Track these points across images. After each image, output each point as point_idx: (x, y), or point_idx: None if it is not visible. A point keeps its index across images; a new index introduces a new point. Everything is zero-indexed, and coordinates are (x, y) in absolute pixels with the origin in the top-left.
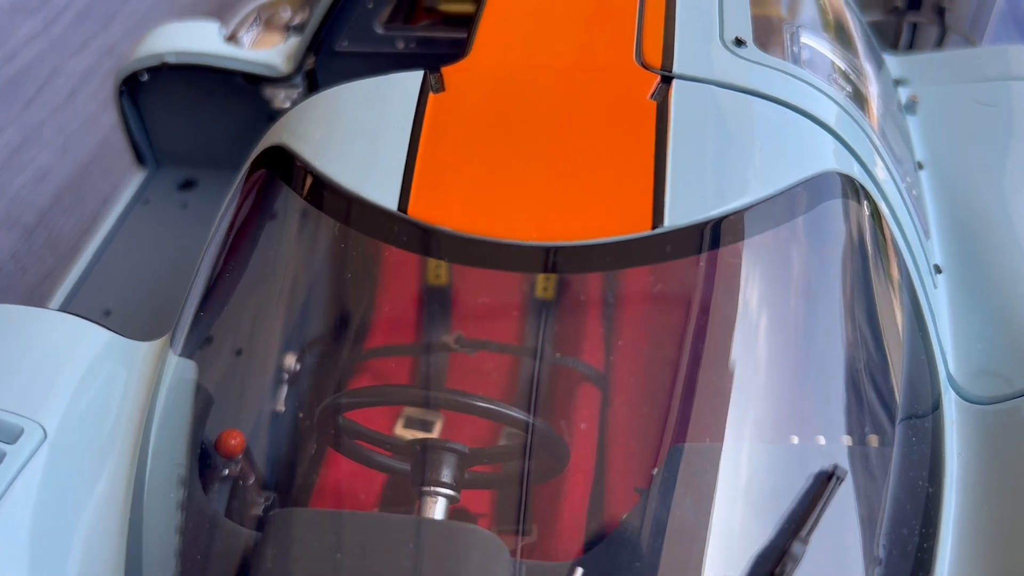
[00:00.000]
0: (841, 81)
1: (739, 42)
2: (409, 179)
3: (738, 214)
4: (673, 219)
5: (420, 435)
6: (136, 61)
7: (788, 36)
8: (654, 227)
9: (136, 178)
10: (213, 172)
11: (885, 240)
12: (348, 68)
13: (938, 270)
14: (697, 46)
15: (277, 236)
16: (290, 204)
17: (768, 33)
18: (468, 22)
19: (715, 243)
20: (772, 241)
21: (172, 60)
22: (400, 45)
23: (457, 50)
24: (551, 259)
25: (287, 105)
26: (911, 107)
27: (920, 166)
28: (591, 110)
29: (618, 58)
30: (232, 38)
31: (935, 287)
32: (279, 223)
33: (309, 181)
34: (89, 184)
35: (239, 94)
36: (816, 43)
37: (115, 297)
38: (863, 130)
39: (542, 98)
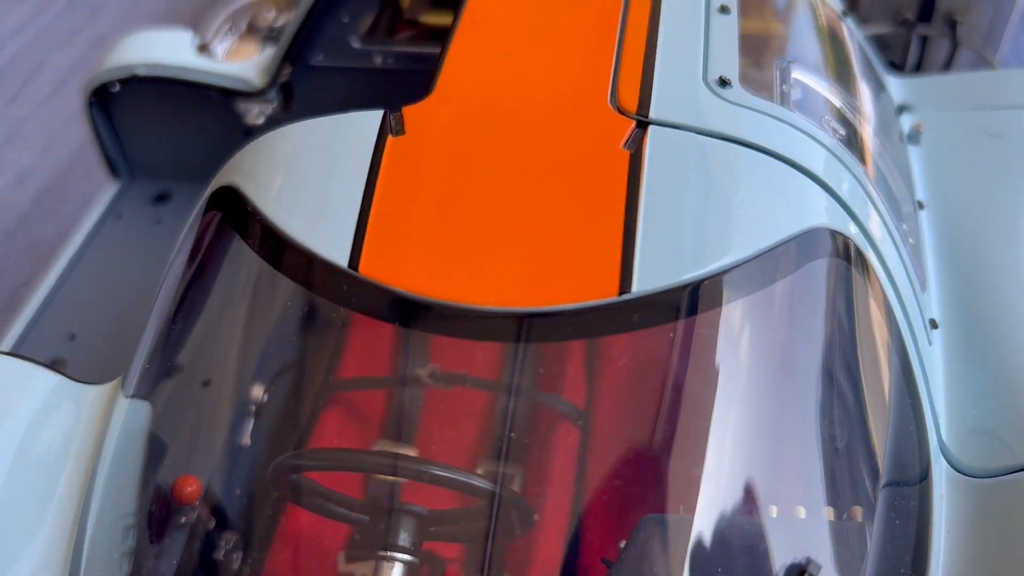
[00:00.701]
0: (835, 123)
1: (723, 82)
2: (362, 233)
3: (714, 278)
4: (642, 284)
5: (383, 486)
6: (105, 72)
7: (778, 73)
8: (621, 293)
9: (109, 190)
10: (188, 184)
11: (875, 299)
12: (324, 82)
13: (934, 325)
14: (677, 87)
15: (228, 285)
16: (240, 252)
17: (756, 69)
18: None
19: (687, 310)
20: (750, 306)
21: (143, 72)
22: (378, 60)
23: (431, 68)
24: (508, 328)
25: (261, 121)
26: (914, 137)
27: (921, 206)
28: (560, 159)
29: (591, 101)
30: (206, 47)
31: (930, 343)
32: (230, 271)
33: (259, 229)
34: (71, 186)
35: (214, 105)
36: (809, 78)
37: (81, 320)
38: (857, 179)
39: (508, 145)
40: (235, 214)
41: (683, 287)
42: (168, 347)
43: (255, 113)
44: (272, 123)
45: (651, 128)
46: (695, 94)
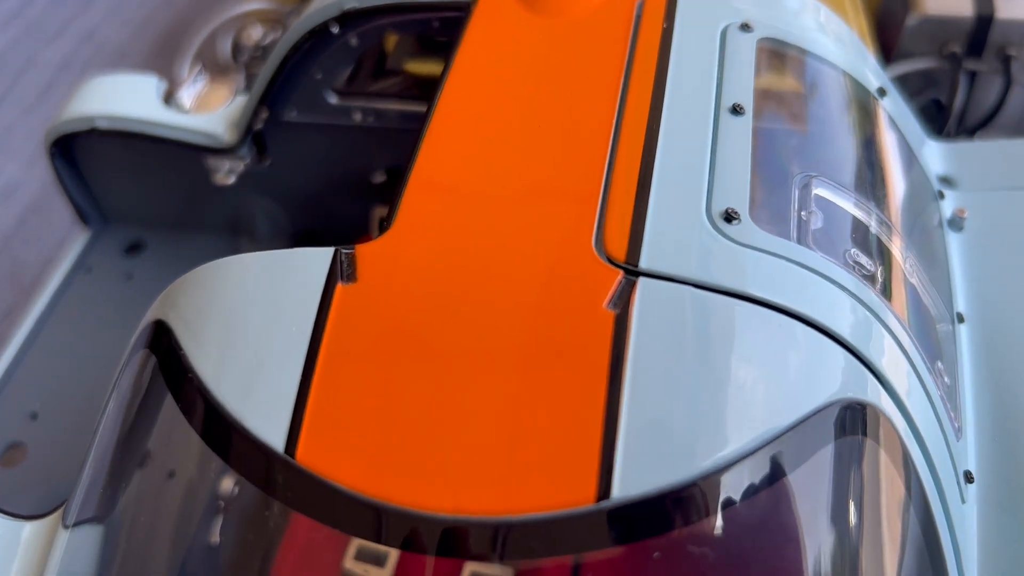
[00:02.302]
0: (861, 255)
1: (730, 217)
2: (302, 409)
3: (711, 478)
4: (625, 487)
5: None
6: (65, 123)
7: (796, 194)
8: (599, 498)
9: (79, 240)
10: (162, 233)
11: (898, 466)
12: (300, 138)
13: (969, 478)
14: (675, 226)
15: (159, 442)
16: (171, 411)
17: (770, 191)
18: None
19: (679, 519)
20: (753, 509)
21: (103, 125)
22: (357, 117)
23: (413, 127)
24: (458, 540)
25: (231, 181)
26: (957, 223)
27: (961, 319)
28: (532, 324)
29: (573, 244)
30: (173, 93)
31: (963, 501)
32: (162, 428)
33: (189, 389)
34: (56, 205)
35: (184, 157)
36: (833, 195)
37: (44, 395)
38: (885, 325)
39: (473, 302)
40: (167, 360)
41: (674, 490)
42: (104, 494)
43: (225, 171)
44: (245, 180)
45: (641, 281)
46: (696, 235)
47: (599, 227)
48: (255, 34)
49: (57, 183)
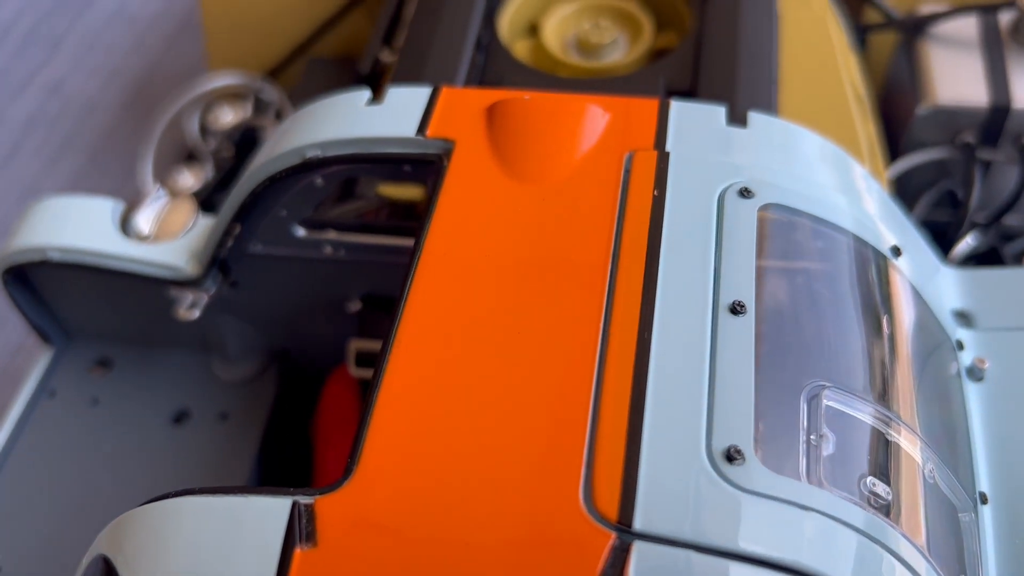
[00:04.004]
0: (879, 486)
1: (732, 456)
2: None
3: None
4: None
5: None
6: (15, 254)
7: (804, 413)
8: None
9: (41, 361)
10: (130, 350)
11: None
12: (267, 269)
13: None
14: (672, 473)
15: None
16: None
17: (775, 414)
18: (412, 213)
19: None
20: None
21: (56, 257)
22: (327, 250)
23: (394, 260)
24: None
25: (195, 316)
26: (976, 373)
27: (984, 499)
28: None
29: (558, 498)
30: (132, 211)
31: None
32: None
33: None
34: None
35: (145, 283)
36: (845, 404)
37: (8, 544)
38: (901, 560)
39: (447, 572)
40: None
41: None
42: None
43: (188, 304)
44: (213, 301)
45: (636, 546)
46: (695, 483)
47: (587, 474)
48: (223, 117)
49: (13, 307)
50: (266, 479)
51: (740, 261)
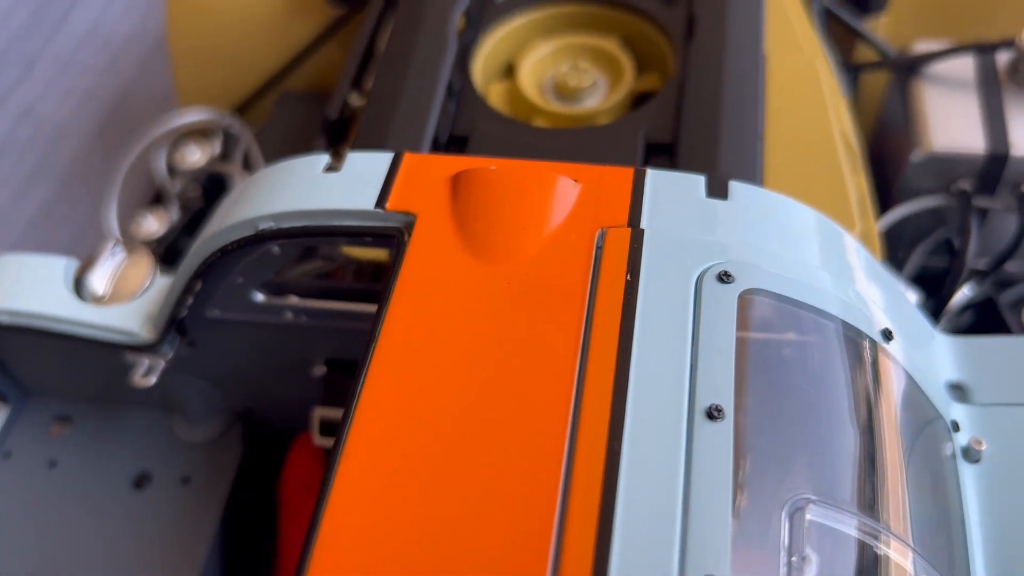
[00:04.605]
0: None
1: None
2: None
3: None
4: None
5: None
6: None
7: (786, 529)
8: None
9: None
10: (89, 409)
11: None
12: (226, 332)
13: None
14: None
15: None
16: None
17: (754, 534)
18: (378, 274)
19: None
20: None
21: (5, 321)
22: (288, 316)
23: (358, 325)
24: None
25: (151, 382)
26: (972, 454)
27: None
28: None
29: None
30: (86, 270)
31: None
32: None
33: None
34: None
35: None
36: (828, 519)
37: None
38: None
39: None
40: None
41: None
42: None
43: (144, 370)
44: (172, 368)
45: None
46: None
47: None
48: (189, 156)
49: None
50: (229, 546)
51: (718, 358)
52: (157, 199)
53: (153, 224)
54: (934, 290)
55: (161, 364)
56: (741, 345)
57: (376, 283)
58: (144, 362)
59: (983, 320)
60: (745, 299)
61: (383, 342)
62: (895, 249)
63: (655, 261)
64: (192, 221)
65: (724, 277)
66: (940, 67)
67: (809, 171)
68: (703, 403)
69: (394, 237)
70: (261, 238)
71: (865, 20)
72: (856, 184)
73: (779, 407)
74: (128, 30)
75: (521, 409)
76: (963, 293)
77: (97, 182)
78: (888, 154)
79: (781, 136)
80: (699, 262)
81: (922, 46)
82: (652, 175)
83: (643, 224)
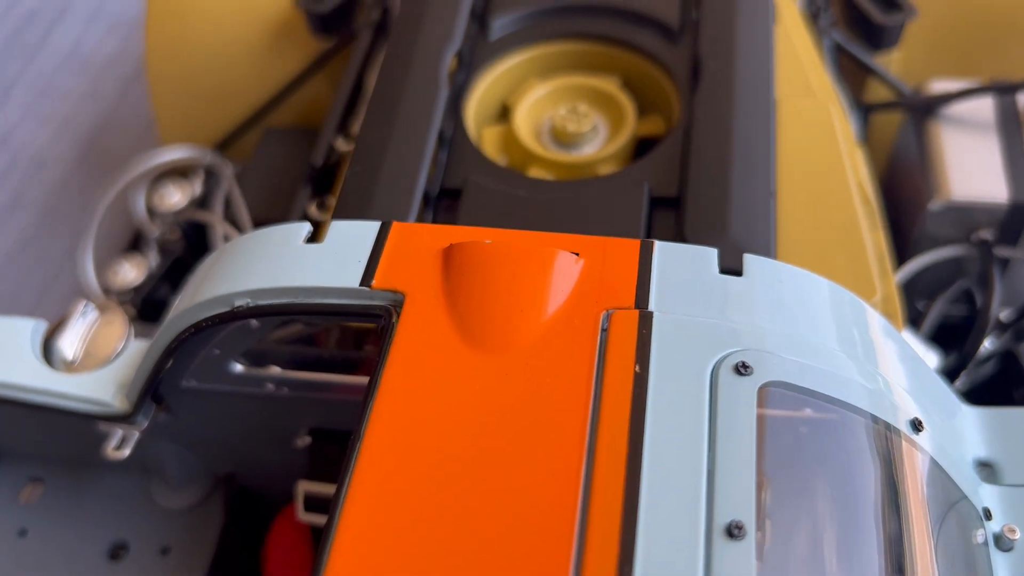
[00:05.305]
0: None
1: None
2: None
3: None
4: None
5: None
6: None
7: None
8: None
9: None
10: (62, 473)
11: None
12: (204, 401)
13: None
14: None
15: None
16: None
17: None
18: (364, 339)
19: None
20: None
21: None
22: (269, 387)
23: (345, 396)
24: None
25: (124, 454)
26: (1005, 542)
27: None
28: None
29: None
30: (55, 333)
31: None
32: None
33: None
34: None
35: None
36: None
37: None
38: None
39: None
40: None
41: None
42: None
43: (117, 441)
44: (147, 434)
45: None
46: None
47: None
48: (169, 197)
49: None
50: None
51: (737, 466)
52: (135, 241)
53: (130, 273)
54: (952, 341)
55: (135, 435)
56: (761, 446)
57: (362, 351)
58: (118, 432)
59: (1003, 372)
60: (764, 392)
61: (368, 443)
62: (911, 298)
63: (666, 350)
64: (172, 268)
65: (742, 369)
66: (958, 108)
67: (824, 229)
68: (722, 519)
69: (381, 317)
70: (237, 316)
71: (876, 56)
72: (875, 241)
73: (803, 515)
74: (109, 52)
75: (520, 524)
76: (984, 346)
77: (75, 214)
78: (903, 199)
79: (793, 189)
80: (714, 350)
81: (939, 85)
82: (660, 248)
83: (651, 305)
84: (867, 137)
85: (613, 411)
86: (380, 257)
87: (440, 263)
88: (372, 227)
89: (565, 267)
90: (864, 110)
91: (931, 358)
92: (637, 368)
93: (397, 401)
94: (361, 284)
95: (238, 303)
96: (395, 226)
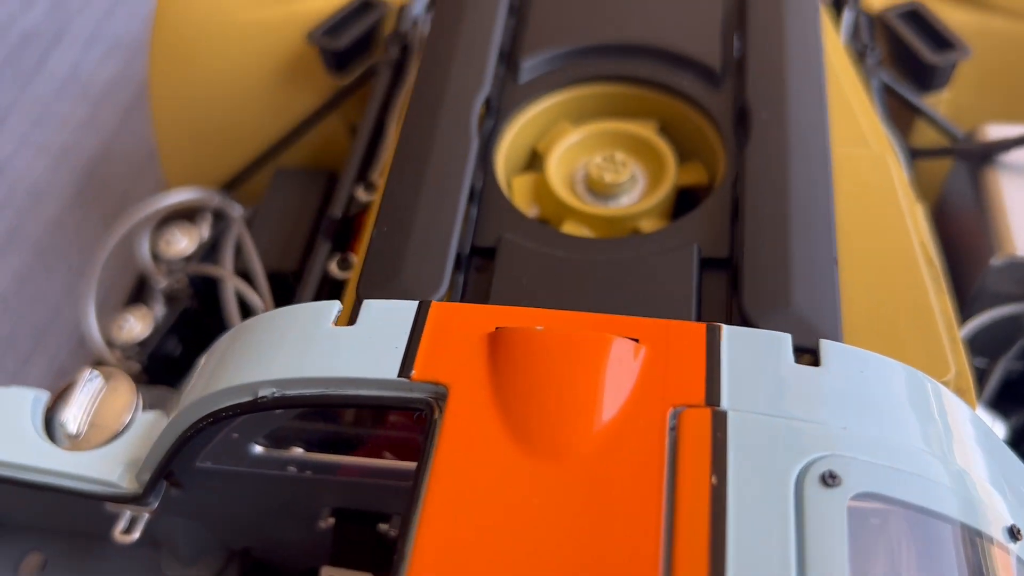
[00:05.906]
0: None
1: None
2: None
3: None
4: None
5: None
6: None
7: None
8: None
9: None
10: (65, 546)
11: None
12: (220, 480)
13: None
14: None
15: None
16: None
17: None
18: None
19: None
20: None
21: None
22: (291, 469)
23: (372, 480)
24: None
25: (134, 537)
26: None
27: None
28: None
29: None
30: (57, 405)
31: None
32: None
33: None
34: None
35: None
36: None
37: None
38: None
39: None
40: None
41: None
42: None
43: (125, 523)
44: (155, 516)
45: None
46: None
47: None
48: (176, 243)
49: None
50: None
51: None
52: (139, 288)
53: (136, 327)
54: (1012, 397)
55: (146, 516)
56: (853, 564)
57: (393, 430)
58: (126, 514)
59: None
60: (853, 506)
61: (418, 555)
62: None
63: (745, 457)
64: (180, 321)
65: (829, 480)
66: (1017, 156)
67: (889, 298)
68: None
69: (422, 410)
70: (260, 407)
71: (925, 97)
72: (941, 308)
73: None
74: (108, 76)
75: None
76: None
77: (73, 252)
78: (956, 250)
79: (852, 252)
80: (797, 456)
81: (995, 131)
82: (728, 334)
83: (724, 402)
84: (912, 181)
85: (690, 528)
86: (419, 343)
87: (485, 350)
88: (409, 308)
89: (625, 358)
90: (911, 154)
91: (998, 428)
92: (714, 479)
93: (447, 514)
94: (400, 375)
95: (263, 393)
96: (434, 306)
